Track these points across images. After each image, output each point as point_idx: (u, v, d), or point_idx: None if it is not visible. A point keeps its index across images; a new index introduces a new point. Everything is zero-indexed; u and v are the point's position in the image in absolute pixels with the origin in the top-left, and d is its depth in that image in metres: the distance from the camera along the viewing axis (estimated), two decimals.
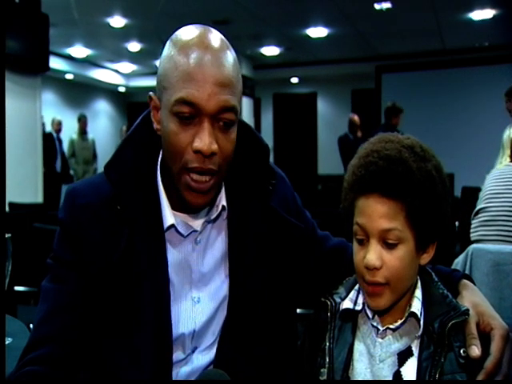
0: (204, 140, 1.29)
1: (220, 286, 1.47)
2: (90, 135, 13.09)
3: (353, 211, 1.36)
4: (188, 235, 1.45)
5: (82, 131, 12.75)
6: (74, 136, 12.71)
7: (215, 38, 1.35)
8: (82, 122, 12.78)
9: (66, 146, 12.71)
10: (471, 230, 2.88)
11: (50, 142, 11.62)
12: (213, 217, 1.46)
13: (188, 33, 1.35)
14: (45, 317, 1.37)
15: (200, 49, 1.31)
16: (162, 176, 1.45)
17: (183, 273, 1.45)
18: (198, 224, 1.45)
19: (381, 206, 1.29)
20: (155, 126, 1.41)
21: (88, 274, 1.38)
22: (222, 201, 1.47)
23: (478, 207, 2.90)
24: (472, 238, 2.81)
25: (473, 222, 2.91)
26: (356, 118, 10.44)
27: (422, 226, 1.29)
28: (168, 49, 1.37)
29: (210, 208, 1.47)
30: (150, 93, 1.41)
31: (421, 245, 1.33)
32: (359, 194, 1.33)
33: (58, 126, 12.39)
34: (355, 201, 1.35)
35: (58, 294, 1.39)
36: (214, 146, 1.30)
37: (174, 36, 1.38)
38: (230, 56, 1.35)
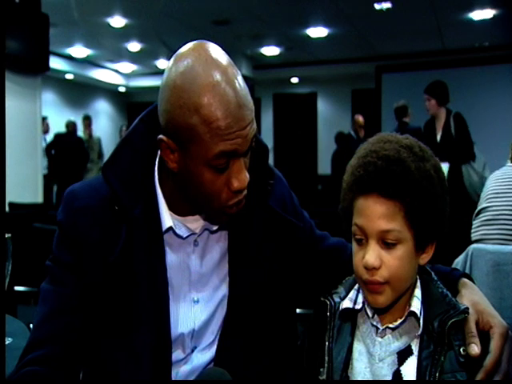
0: (243, 179, 1.32)
1: (219, 285, 1.48)
2: (96, 134, 13.07)
3: (352, 211, 1.36)
4: (187, 237, 1.45)
5: (87, 131, 12.75)
6: (82, 135, 12.68)
7: (231, 74, 1.29)
8: (87, 123, 12.76)
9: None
10: (472, 230, 2.88)
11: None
12: (214, 228, 1.47)
13: (199, 71, 1.27)
14: (44, 318, 1.37)
15: (229, 91, 1.26)
16: (159, 178, 1.44)
17: (182, 274, 1.45)
18: (196, 226, 1.45)
19: (379, 207, 1.29)
20: (171, 165, 1.34)
21: (87, 275, 1.38)
22: None
23: (479, 207, 2.89)
24: (473, 238, 2.80)
25: (474, 221, 2.90)
26: (361, 118, 10.42)
27: (420, 226, 1.30)
28: (179, 88, 1.27)
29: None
30: (161, 136, 1.32)
31: (420, 244, 1.33)
32: (358, 194, 1.33)
33: (46, 126, 12.38)
34: (354, 201, 1.35)
35: (57, 296, 1.39)
36: (248, 178, 1.33)
37: (180, 70, 1.29)
38: (240, 78, 1.32)
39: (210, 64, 1.27)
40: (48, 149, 12.03)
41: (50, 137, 12.49)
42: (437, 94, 6.36)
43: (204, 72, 1.26)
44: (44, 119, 12.26)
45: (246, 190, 1.35)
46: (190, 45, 1.33)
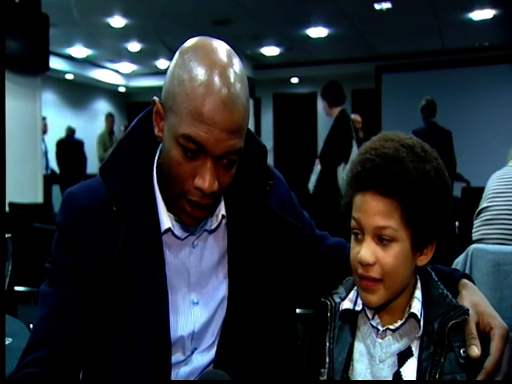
0: (207, 180, 1.28)
1: (218, 286, 1.47)
2: (116, 133, 13.05)
3: (351, 207, 1.36)
4: (185, 238, 1.45)
5: (110, 130, 12.72)
6: (103, 134, 12.66)
7: (231, 72, 1.29)
8: (110, 121, 12.74)
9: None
10: (473, 230, 2.88)
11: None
12: (213, 227, 1.47)
13: (203, 61, 1.29)
14: (44, 319, 1.37)
15: (214, 89, 1.26)
16: (158, 178, 1.44)
17: (181, 276, 1.45)
18: (195, 227, 1.45)
19: (376, 203, 1.29)
20: (157, 132, 1.38)
21: (86, 275, 1.38)
22: (222, 210, 1.48)
23: (480, 207, 2.89)
24: (474, 238, 2.80)
25: (475, 221, 2.90)
26: (358, 118, 10.41)
27: (418, 227, 1.30)
28: (180, 69, 1.30)
29: (210, 217, 1.46)
30: (155, 97, 1.37)
31: (417, 245, 1.33)
32: (356, 190, 1.35)
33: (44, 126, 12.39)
34: (353, 197, 1.36)
35: (57, 297, 1.39)
36: (215, 186, 1.30)
37: (186, 55, 1.32)
38: (243, 93, 1.30)
39: (223, 61, 1.30)
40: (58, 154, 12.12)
41: (48, 137, 12.49)
42: (328, 95, 6.43)
43: (215, 68, 1.28)
44: (42, 119, 12.26)
45: (211, 200, 1.33)
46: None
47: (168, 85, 1.32)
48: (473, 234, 2.85)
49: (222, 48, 1.33)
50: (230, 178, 1.35)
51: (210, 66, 1.27)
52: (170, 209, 1.43)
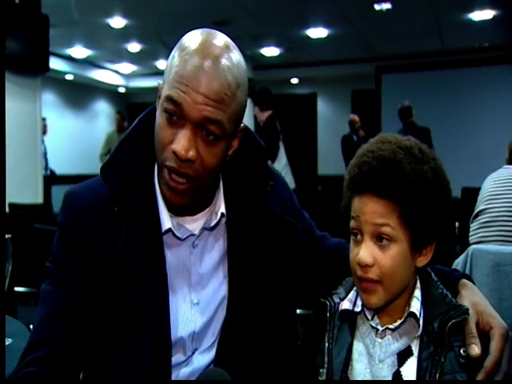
0: (181, 144, 1.29)
1: (218, 287, 1.47)
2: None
3: (350, 209, 1.37)
4: (185, 238, 1.45)
5: (119, 129, 12.68)
6: (111, 133, 12.63)
7: (225, 56, 1.32)
8: (119, 119, 12.66)
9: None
10: (470, 233, 2.86)
11: None
12: (212, 224, 1.47)
13: (196, 37, 1.34)
14: (44, 319, 1.37)
15: (199, 57, 1.30)
16: (159, 178, 1.44)
17: (181, 276, 1.45)
18: (195, 227, 1.45)
19: (373, 205, 1.30)
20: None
21: (87, 275, 1.38)
22: (221, 208, 1.48)
23: (477, 210, 2.88)
24: (471, 241, 2.77)
25: (472, 224, 2.89)
26: (356, 118, 10.42)
27: (416, 228, 1.30)
28: (175, 48, 1.37)
29: (209, 213, 1.47)
30: (159, 81, 1.41)
31: (416, 246, 1.33)
32: (354, 192, 1.35)
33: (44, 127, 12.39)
34: (351, 199, 1.36)
35: (57, 297, 1.39)
36: (192, 153, 1.30)
37: (183, 37, 1.38)
38: (232, 75, 1.32)
39: (213, 37, 1.35)
40: None
41: (48, 138, 12.47)
42: (260, 100, 6.86)
43: (202, 40, 1.33)
44: (42, 120, 12.25)
45: (189, 172, 1.33)
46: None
47: (166, 64, 1.38)
48: (470, 237, 2.84)
49: (222, 36, 1.38)
50: (213, 157, 1.35)
51: (202, 41, 1.33)
52: (170, 209, 1.43)
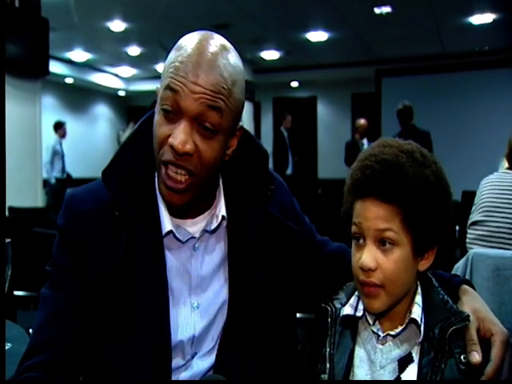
0: (178, 137, 1.29)
1: (219, 290, 1.47)
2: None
3: (352, 213, 1.36)
4: (186, 241, 1.45)
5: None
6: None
7: (221, 55, 1.33)
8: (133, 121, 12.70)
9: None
10: (467, 241, 2.85)
11: None
12: (212, 227, 1.46)
13: (193, 37, 1.36)
14: (43, 323, 1.37)
15: (195, 52, 1.31)
16: (158, 180, 1.44)
17: (182, 279, 1.44)
18: (196, 230, 1.45)
19: (376, 209, 1.29)
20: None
21: (87, 279, 1.37)
22: (222, 211, 1.47)
23: (474, 218, 2.85)
24: (468, 250, 2.76)
25: (469, 231, 2.87)
26: (362, 121, 10.34)
27: (418, 231, 1.30)
28: (172, 50, 1.37)
29: (210, 216, 1.47)
30: (158, 85, 1.41)
31: (418, 250, 1.32)
32: (356, 197, 1.35)
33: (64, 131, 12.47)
34: (353, 203, 1.36)
35: (57, 300, 1.38)
36: (189, 146, 1.30)
37: (180, 39, 1.38)
38: (226, 68, 1.33)
39: (208, 35, 1.37)
40: None
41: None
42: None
43: (198, 38, 1.34)
44: (62, 124, 12.34)
45: (186, 165, 1.32)
46: None
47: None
48: (467, 245, 2.83)
49: (219, 37, 1.39)
50: (211, 151, 1.34)
51: (199, 41, 1.34)
52: (171, 212, 1.43)
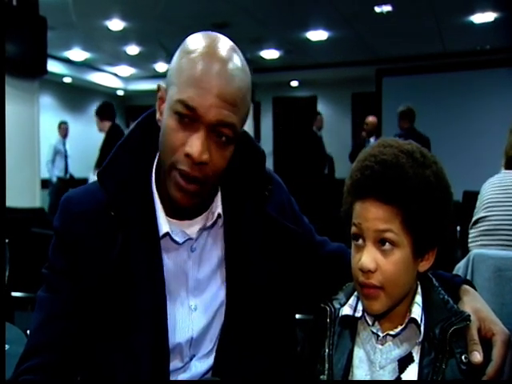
0: (196, 147, 1.28)
1: (216, 292, 1.47)
2: None
3: (351, 214, 1.36)
4: (183, 243, 1.44)
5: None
6: None
7: (231, 61, 1.33)
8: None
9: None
10: (469, 240, 2.84)
11: None
12: (208, 224, 1.46)
13: (200, 40, 1.35)
14: (40, 325, 1.37)
15: (211, 60, 1.30)
16: (156, 183, 1.45)
17: (179, 280, 1.44)
18: (193, 231, 1.44)
19: (376, 210, 1.29)
20: (158, 116, 1.42)
21: (83, 281, 1.37)
22: (218, 208, 1.47)
23: (476, 216, 2.86)
24: (470, 249, 2.75)
25: (471, 231, 2.87)
26: (371, 119, 10.24)
27: (418, 232, 1.29)
28: (181, 49, 1.36)
29: (206, 215, 1.46)
30: (160, 82, 1.41)
31: (418, 251, 1.32)
32: (356, 197, 1.34)
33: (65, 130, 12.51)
34: (353, 204, 1.35)
35: (53, 303, 1.39)
36: (205, 156, 1.29)
37: (187, 40, 1.38)
38: (240, 77, 1.33)
39: (215, 37, 1.37)
40: None
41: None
42: (99, 112, 7.65)
43: (206, 37, 1.35)
44: (64, 124, 12.36)
45: (201, 175, 1.32)
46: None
47: (170, 66, 1.37)
48: (470, 244, 2.82)
49: (225, 39, 1.39)
50: (223, 160, 1.35)
51: (210, 45, 1.33)
52: (168, 213, 1.43)
